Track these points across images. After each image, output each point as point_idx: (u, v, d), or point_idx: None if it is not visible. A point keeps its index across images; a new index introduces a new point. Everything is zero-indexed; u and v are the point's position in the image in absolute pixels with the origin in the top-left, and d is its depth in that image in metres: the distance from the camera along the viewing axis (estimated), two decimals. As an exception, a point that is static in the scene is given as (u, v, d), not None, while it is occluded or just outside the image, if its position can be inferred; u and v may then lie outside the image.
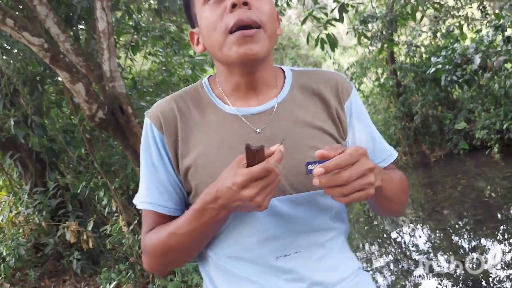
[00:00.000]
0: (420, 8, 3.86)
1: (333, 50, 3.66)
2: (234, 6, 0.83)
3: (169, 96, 0.99)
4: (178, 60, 4.94)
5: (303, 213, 0.90)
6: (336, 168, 0.73)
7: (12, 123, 3.81)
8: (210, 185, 0.81)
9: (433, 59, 8.55)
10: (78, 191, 4.38)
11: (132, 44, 4.40)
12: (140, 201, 0.96)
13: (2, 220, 4.96)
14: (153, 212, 0.95)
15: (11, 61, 4.15)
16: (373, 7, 8.83)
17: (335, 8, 3.54)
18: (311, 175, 0.87)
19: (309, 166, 0.89)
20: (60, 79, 4.57)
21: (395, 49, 10.42)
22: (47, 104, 4.69)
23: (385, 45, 6.03)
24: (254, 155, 0.74)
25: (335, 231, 0.97)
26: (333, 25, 3.66)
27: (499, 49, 7.33)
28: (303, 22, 3.84)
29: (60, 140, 4.57)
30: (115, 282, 3.74)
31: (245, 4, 0.84)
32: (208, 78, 1.01)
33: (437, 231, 5.59)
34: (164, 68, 4.71)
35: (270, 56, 0.93)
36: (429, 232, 5.67)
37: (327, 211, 0.94)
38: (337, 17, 3.68)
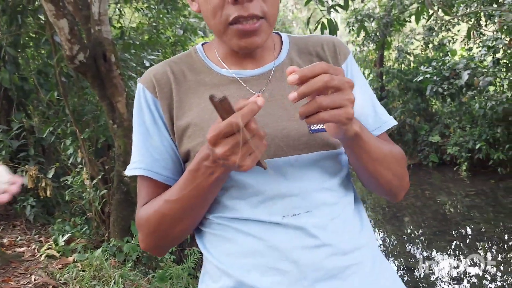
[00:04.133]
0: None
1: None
2: (236, 0, 0.78)
3: (162, 62, 0.95)
4: (170, 20, 4.74)
5: (310, 173, 0.84)
6: (311, 74, 0.65)
7: (-16, 51, 3.55)
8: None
9: (422, 67, 8.62)
10: (44, 136, 4.17)
11: (125, -7, 4.18)
12: (132, 167, 0.89)
13: (-44, 153, 4.70)
14: (148, 181, 0.89)
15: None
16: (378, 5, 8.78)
17: (342, -6, 3.44)
18: (315, 134, 0.84)
19: (312, 126, 0.85)
20: (42, 16, 4.31)
21: (385, 53, 10.46)
22: (24, 40, 4.41)
23: (381, 45, 5.95)
24: (218, 108, 0.65)
25: (347, 197, 0.89)
26: (337, 11, 3.56)
27: (486, 70, 7.44)
28: (307, 3, 3.72)
29: (32, 80, 4.32)
30: (69, 234, 3.60)
31: None
32: (202, 45, 0.97)
33: (393, 236, 5.67)
34: (154, 24, 4.51)
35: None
36: (385, 236, 5.74)
37: (335, 175, 0.88)
38: (342, 3, 3.58)
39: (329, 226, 0.83)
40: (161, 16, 4.45)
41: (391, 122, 0.95)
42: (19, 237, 3.85)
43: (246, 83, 0.88)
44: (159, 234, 0.86)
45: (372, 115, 0.93)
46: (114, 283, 2.82)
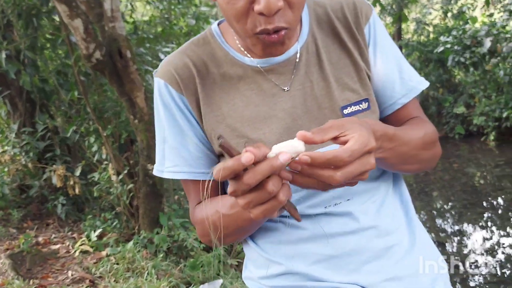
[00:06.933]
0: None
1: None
2: (261, 13, 0.71)
3: (177, 51, 0.87)
4: (182, 10, 4.73)
5: None
6: (325, 165, 0.59)
7: (4, 56, 3.61)
8: None
9: (442, 38, 8.39)
10: (68, 135, 4.25)
11: (135, -13, 4.17)
12: (174, 170, 0.84)
13: (-13, 158, 4.84)
14: (194, 182, 0.85)
15: (6, -8, 3.92)
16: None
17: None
18: None
19: (344, 110, 0.82)
20: (57, 17, 4.35)
21: (403, 26, 10.21)
22: (41, 42, 4.47)
23: (397, 19, 5.80)
24: (226, 151, 0.58)
25: (386, 180, 0.88)
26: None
27: (510, 35, 7.18)
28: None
29: (52, 81, 4.39)
30: (100, 230, 3.68)
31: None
32: (218, 25, 0.88)
33: (422, 212, 5.59)
34: (166, 16, 4.50)
35: None
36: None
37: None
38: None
39: (370, 210, 0.83)
40: (172, 7, 4.44)
41: (419, 86, 0.88)
42: (53, 235, 3.96)
43: (271, 73, 0.82)
44: (215, 236, 0.84)
45: (398, 82, 0.86)
46: (148, 274, 2.88)
